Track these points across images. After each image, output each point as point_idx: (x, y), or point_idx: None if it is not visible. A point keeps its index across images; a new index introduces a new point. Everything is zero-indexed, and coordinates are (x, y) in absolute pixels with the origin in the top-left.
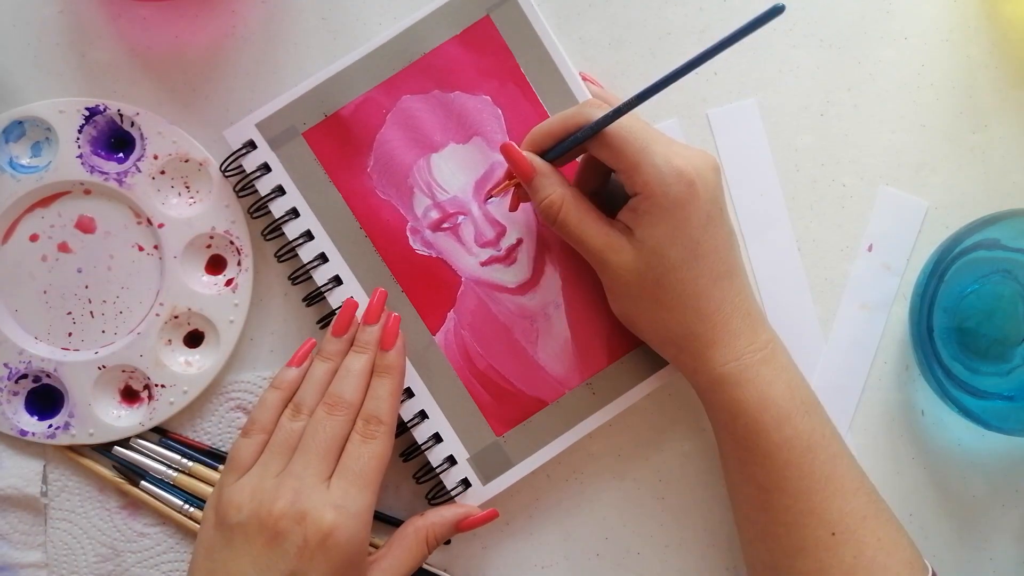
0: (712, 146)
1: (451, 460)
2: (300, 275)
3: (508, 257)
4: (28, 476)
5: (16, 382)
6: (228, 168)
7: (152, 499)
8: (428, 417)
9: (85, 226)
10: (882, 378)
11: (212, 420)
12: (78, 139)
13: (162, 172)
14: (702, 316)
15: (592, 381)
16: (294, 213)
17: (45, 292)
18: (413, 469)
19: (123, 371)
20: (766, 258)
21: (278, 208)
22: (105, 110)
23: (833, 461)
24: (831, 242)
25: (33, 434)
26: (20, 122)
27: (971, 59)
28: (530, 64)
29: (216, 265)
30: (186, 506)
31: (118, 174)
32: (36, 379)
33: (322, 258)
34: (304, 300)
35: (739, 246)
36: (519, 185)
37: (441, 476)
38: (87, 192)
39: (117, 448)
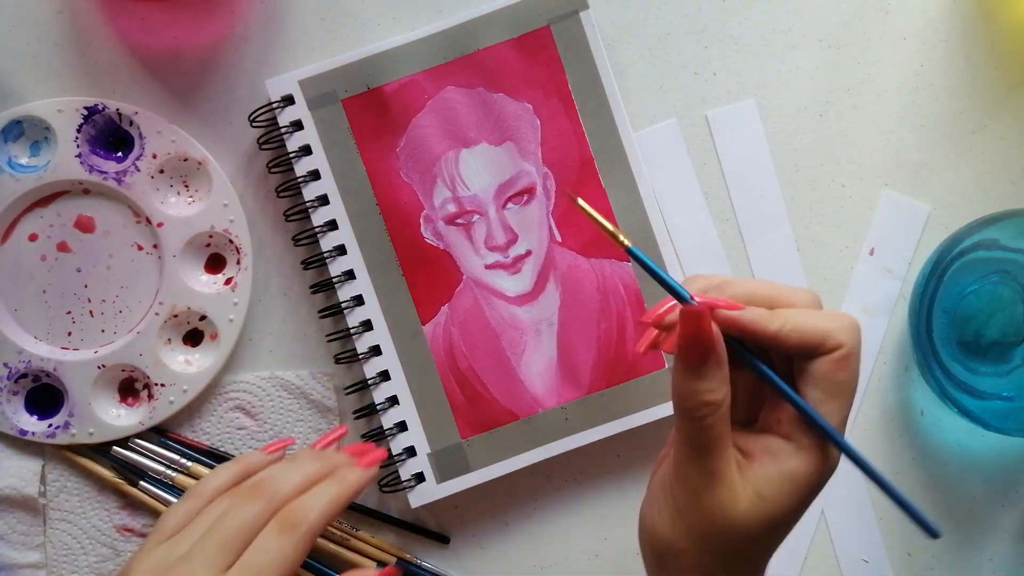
0: (711, 147)
1: (410, 451)
2: (305, 238)
3: (513, 265)
4: (26, 476)
5: (16, 381)
6: (258, 118)
7: (151, 499)
8: (398, 404)
9: (84, 225)
10: (882, 379)
11: (211, 420)
12: (77, 138)
13: (161, 171)
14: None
15: (567, 407)
16: (315, 176)
17: (44, 292)
18: None
19: (123, 370)
20: (766, 259)
21: (301, 167)
22: (104, 109)
23: None
24: (831, 243)
25: (33, 433)
26: (19, 121)
27: (970, 59)
28: (579, 83)
29: (215, 264)
30: None
31: (117, 173)
32: (36, 378)
33: (331, 225)
34: (302, 264)
35: None
36: (667, 331)
37: (397, 465)
38: (86, 191)
39: (116, 448)
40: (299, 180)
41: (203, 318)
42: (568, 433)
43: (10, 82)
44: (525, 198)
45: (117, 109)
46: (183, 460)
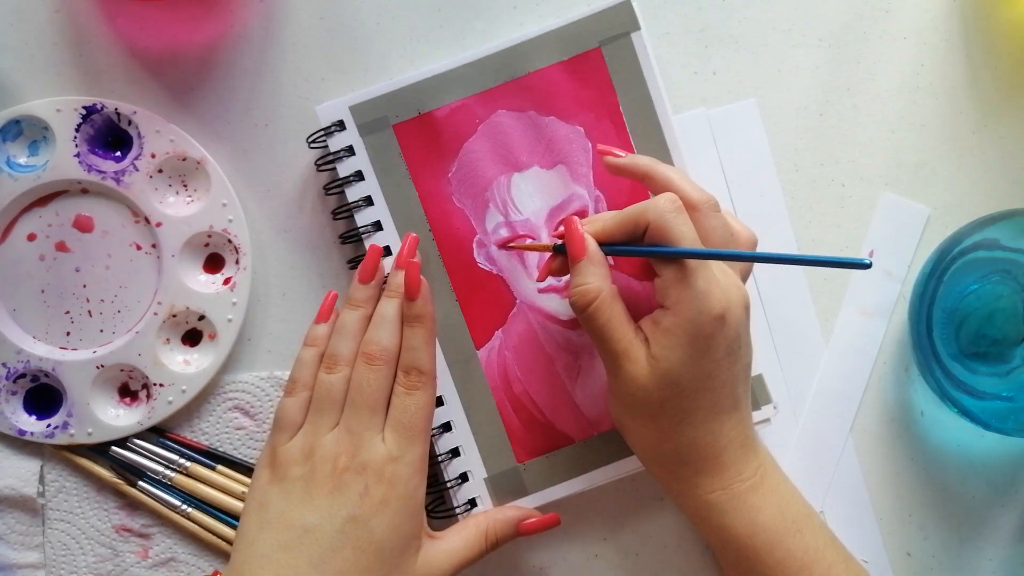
0: (712, 147)
1: (464, 477)
2: (356, 259)
3: (566, 289)
4: (25, 476)
5: (14, 382)
6: (315, 141)
7: (150, 499)
8: (451, 430)
9: (83, 225)
10: (882, 379)
11: (210, 420)
12: (75, 138)
13: (160, 171)
14: (695, 447)
15: None
16: (368, 201)
17: (43, 291)
18: None
19: (121, 370)
20: None
21: (354, 193)
22: (102, 109)
23: (830, 571)
24: (831, 242)
25: (32, 433)
26: (17, 121)
27: (971, 59)
28: (630, 105)
29: (214, 264)
30: (184, 506)
31: (116, 173)
32: (34, 379)
33: (386, 252)
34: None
35: (750, 377)
36: (555, 256)
37: (450, 491)
38: (85, 191)
39: (114, 448)
40: (352, 205)
41: (202, 318)
42: (624, 455)
43: (9, 81)
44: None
45: (116, 108)
46: (182, 460)
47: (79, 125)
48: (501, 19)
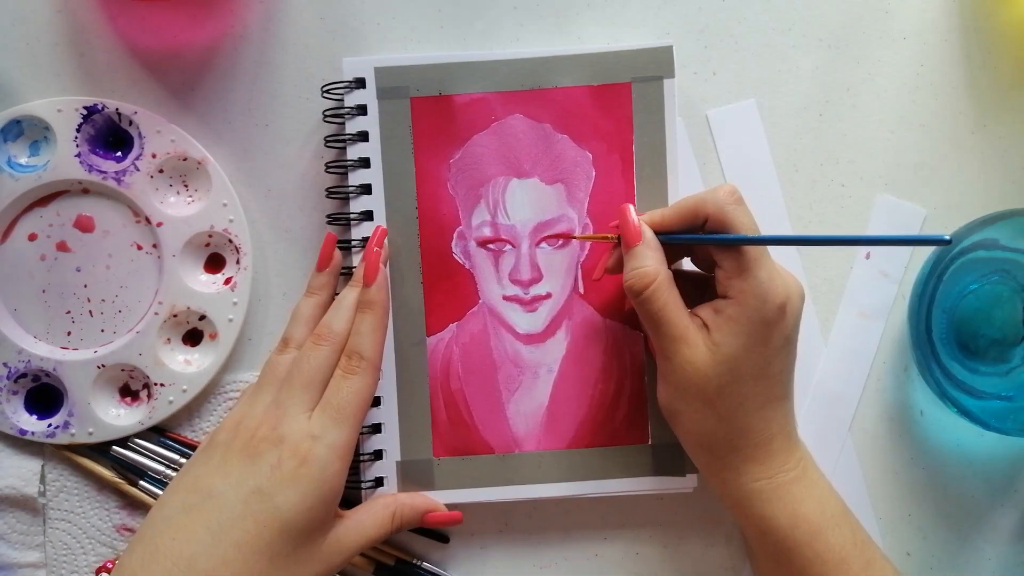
0: (712, 147)
1: (378, 455)
2: (338, 218)
3: (530, 304)
4: (26, 476)
5: (15, 381)
6: (329, 91)
7: (151, 499)
8: (379, 406)
9: (84, 225)
10: (881, 379)
11: (211, 420)
12: (76, 138)
13: (160, 171)
14: (747, 433)
15: (544, 455)
16: (365, 163)
17: (44, 291)
18: None
19: (122, 370)
20: None
21: (354, 152)
22: (103, 109)
23: (868, 568)
24: None
25: (32, 433)
26: (18, 121)
27: (970, 59)
28: (643, 147)
29: (215, 264)
30: None
31: (116, 173)
32: (35, 378)
33: (367, 216)
34: (338, 244)
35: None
36: (615, 245)
37: (362, 465)
38: (85, 191)
39: (115, 448)
40: (348, 163)
41: (202, 318)
42: (538, 480)
43: (9, 81)
44: (560, 242)
45: (116, 109)
46: (183, 460)
47: (80, 125)
48: (501, 19)
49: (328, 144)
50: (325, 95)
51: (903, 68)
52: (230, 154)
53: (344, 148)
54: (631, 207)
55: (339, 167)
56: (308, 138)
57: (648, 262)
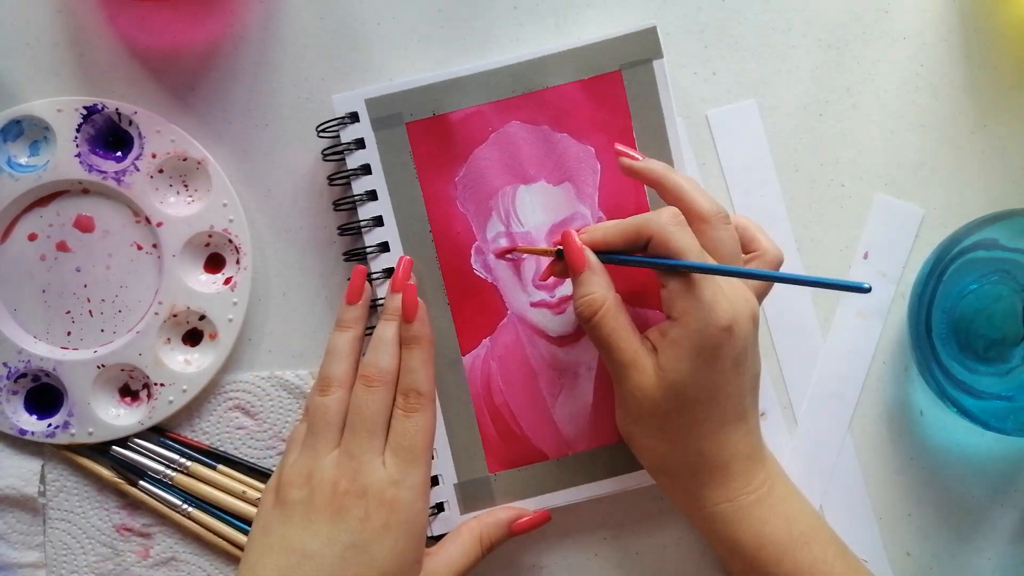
0: (712, 147)
1: (434, 481)
2: (355, 256)
3: (559, 306)
4: (26, 476)
5: (15, 381)
6: (324, 130)
7: (151, 499)
8: None
9: (84, 225)
10: (881, 378)
11: (210, 420)
12: (76, 138)
13: (160, 171)
14: (703, 457)
15: (598, 452)
16: (372, 196)
17: (44, 291)
18: None
19: (122, 370)
20: None
21: (359, 186)
22: (103, 109)
23: None
24: (830, 242)
25: (32, 433)
26: (18, 121)
27: (970, 59)
28: (644, 131)
29: (215, 264)
30: (185, 506)
31: (116, 173)
32: (35, 378)
33: (383, 248)
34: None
35: (759, 388)
36: (556, 260)
37: None
38: (85, 191)
39: (115, 448)
40: (356, 198)
41: (202, 318)
42: (597, 478)
43: (9, 81)
44: None
45: (116, 109)
46: (183, 460)
47: (80, 125)
48: (501, 19)
49: (332, 183)
50: (321, 135)
51: (903, 68)
52: (230, 154)
53: (348, 184)
54: (573, 232)
55: (347, 202)
56: (308, 138)
57: (595, 288)
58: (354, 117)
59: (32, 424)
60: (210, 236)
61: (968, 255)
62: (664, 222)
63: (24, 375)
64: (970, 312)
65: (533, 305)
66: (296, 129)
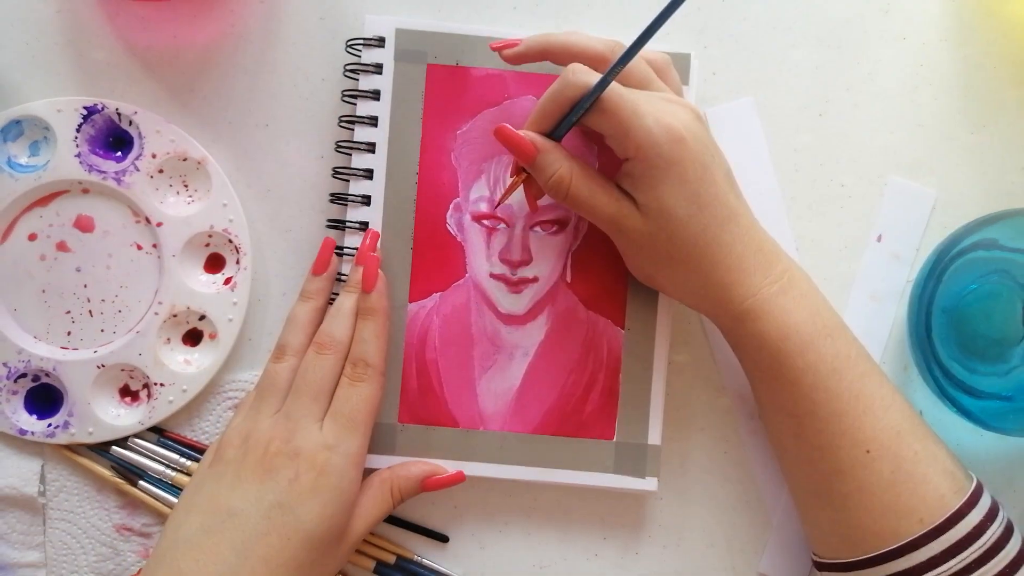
0: None
1: None
2: (342, 176)
3: (516, 285)
4: (26, 476)
5: (15, 381)
6: (352, 46)
7: (151, 499)
8: None
9: (83, 225)
10: None
11: (210, 420)
12: (76, 138)
13: (160, 171)
14: (715, 262)
15: (507, 436)
16: (373, 122)
17: (44, 291)
18: None
19: (122, 370)
20: None
21: (364, 109)
22: (103, 109)
23: (861, 380)
24: (830, 242)
25: (32, 433)
26: (18, 121)
27: (970, 59)
28: None
29: (215, 264)
30: None
31: (116, 173)
32: (35, 378)
33: (368, 174)
34: (330, 196)
35: (737, 183)
36: (529, 180)
37: None
38: (85, 191)
39: (115, 448)
40: (357, 118)
41: (202, 318)
42: (498, 461)
43: (9, 81)
44: (555, 228)
45: (116, 109)
46: (182, 460)
47: (80, 125)
48: (501, 19)
49: (344, 99)
50: (348, 50)
51: (903, 68)
52: (230, 154)
53: (354, 103)
54: (506, 126)
55: (348, 122)
56: (308, 138)
57: (555, 164)
58: (380, 42)
59: (32, 424)
60: (210, 236)
61: (968, 255)
62: (568, 77)
63: (24, 375)
64: (970, 312)
65: (492, 276)
66: (296, 129)
